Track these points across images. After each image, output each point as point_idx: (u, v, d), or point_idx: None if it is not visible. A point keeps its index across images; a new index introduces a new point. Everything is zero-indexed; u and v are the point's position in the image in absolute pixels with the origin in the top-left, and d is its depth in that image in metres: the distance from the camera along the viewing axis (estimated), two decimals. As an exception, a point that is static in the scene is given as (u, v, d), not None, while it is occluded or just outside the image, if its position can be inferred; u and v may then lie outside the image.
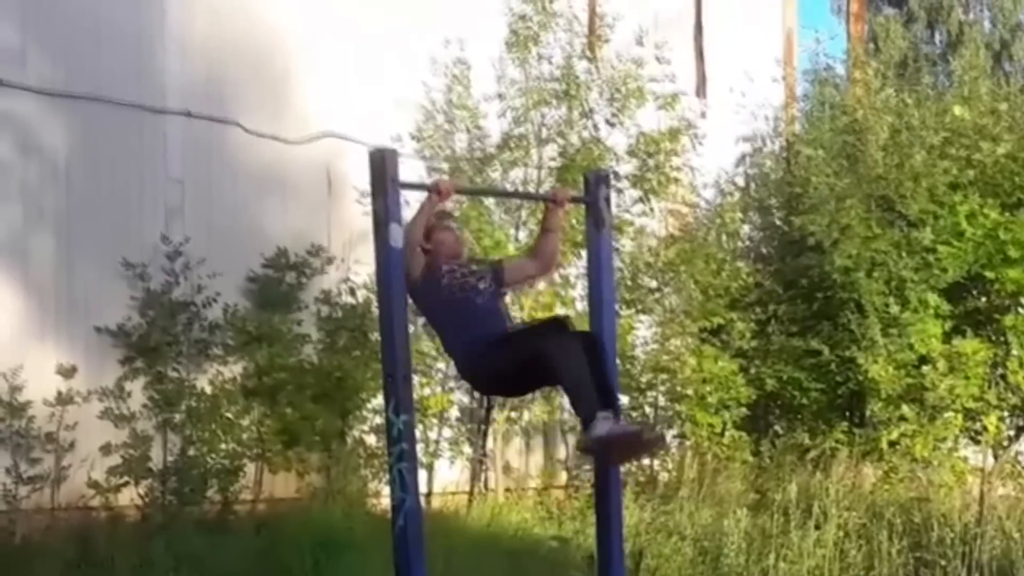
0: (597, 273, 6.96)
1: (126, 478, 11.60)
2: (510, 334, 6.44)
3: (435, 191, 6.43)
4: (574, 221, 11.59)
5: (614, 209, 10.82)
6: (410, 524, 6.07)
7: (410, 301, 6.40)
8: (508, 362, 6.26)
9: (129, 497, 11.63)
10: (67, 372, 11.43)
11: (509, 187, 13.82)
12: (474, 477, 14.02)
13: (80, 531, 10.66)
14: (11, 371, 11.06)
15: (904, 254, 14.88)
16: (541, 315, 13.20)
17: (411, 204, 6.62)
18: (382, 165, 6.13)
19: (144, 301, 11.99)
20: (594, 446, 6.10)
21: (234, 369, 12.47)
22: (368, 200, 6.35)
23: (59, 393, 11.35)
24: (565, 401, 14.09)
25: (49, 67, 11.72)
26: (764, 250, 16.88)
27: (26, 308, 11.43)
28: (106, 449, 11.60)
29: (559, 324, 6.41)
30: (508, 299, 6.99)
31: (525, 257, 7.50)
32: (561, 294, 13.81)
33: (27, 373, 11.14)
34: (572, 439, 14.81)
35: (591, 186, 7.01)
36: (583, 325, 6.91)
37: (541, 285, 13.03)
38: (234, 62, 12.94)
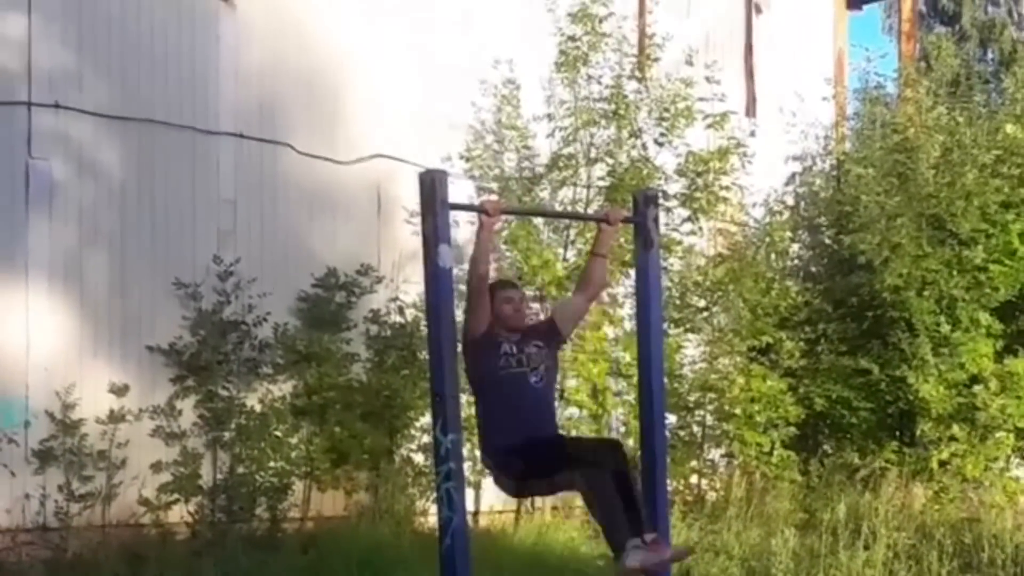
0: (645, 293, 6.99)
1: (176, 495, 11.69)
2: (547, 458, 6.43)
3: (483, 211, 6.48)
4: (623, 240, 11.61)
5: (663, 228, 10.83)
6: (457, 543, 6.12)
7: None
8: (542, 480, 6.46)
9: (179, 514, 11.71)
10: (119, 390, 11.54)
11: (558, 207, 13.86)
12: (521, 496, 13.99)
13: (131, 548, 10.75)
14: (64, 389, 11.20)
15: (955, 273, 14.79)
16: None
17: (460, 225, 6.67)
18: (432, 186, 6.19)
19: (195, 320, 12.09)
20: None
21: (283, 388, 12.55)
22: (417, 220, 6.41)
23: (111, 411, 11.47)
24: (613, 421, 14.15)
25: (105, 90, 11.85)
26: (813, 269, 16.78)
27: (80, 327, 11.54)
28: (157, 467, 11.71)
29: (593, 455, 6.43)
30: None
31: (573, 294, 7.48)
32: (609, 313, 13.82)
33: (80, 391, 11.28)
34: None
35: (639, 206, 7.05)
36: (632, 347, 6.92)
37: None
38: (285, 84, 13.05)
